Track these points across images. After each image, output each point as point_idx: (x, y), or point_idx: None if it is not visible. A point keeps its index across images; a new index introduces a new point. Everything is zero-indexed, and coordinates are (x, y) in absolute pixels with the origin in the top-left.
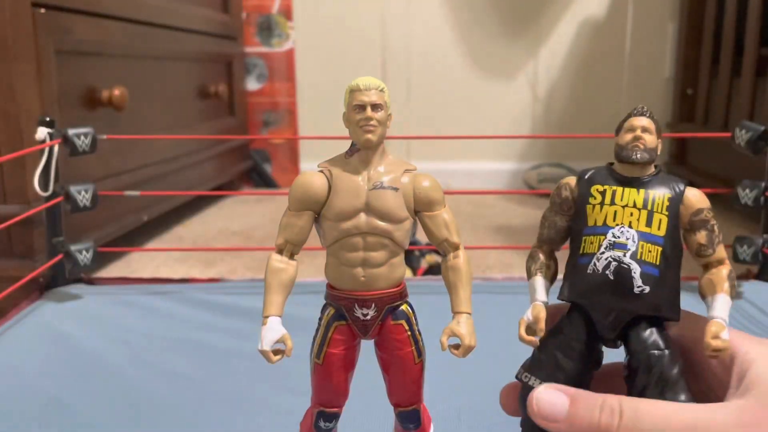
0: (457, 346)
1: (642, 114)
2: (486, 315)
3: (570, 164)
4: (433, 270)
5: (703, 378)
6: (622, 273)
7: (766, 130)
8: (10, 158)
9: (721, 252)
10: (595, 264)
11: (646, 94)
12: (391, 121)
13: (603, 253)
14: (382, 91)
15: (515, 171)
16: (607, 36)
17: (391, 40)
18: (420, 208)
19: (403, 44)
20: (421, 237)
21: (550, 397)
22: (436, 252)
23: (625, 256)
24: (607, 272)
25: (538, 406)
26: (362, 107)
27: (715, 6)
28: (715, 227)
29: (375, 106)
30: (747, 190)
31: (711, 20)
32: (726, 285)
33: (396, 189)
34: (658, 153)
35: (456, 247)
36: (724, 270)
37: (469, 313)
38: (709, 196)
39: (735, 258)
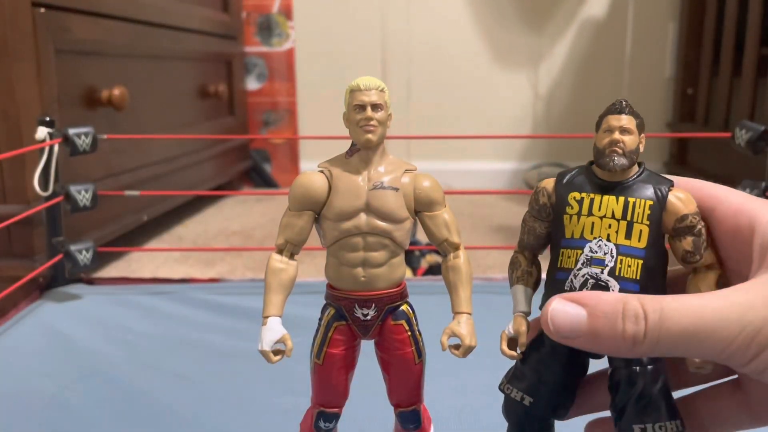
0: (457, 347)
1: (621, 111)
2: (486, 315)
3: (570, 164)
4: (434, 270)
5: (720, 254)
6: (600, 291)
7: (767, 130)
8: (10, 156)
9: (709, 256)
10: (572, 281)
11: (647, 93)
12: (391, 121)
13: (580, 269)
14: (382, 91)
15: (515, 171)
16: (608, 36)
17: (391, 39)
18: (420, 208)
19: (403, 44)
20: (421, 237)
21: (566, 311)
22: (437, 252)
23: (602, 272)
24: (585, 290)
25: (554, 323)
26: (362, 107)
27: (716, 6)
28: (703, 230)
29: (375, 106)
30: (747, 191)
31: (711, 20)
32: None
33: (396, 189)
34: (641, 151)
35: (456, 247)
36: (712, 276)
37: (469, 313)
38: None
39: None
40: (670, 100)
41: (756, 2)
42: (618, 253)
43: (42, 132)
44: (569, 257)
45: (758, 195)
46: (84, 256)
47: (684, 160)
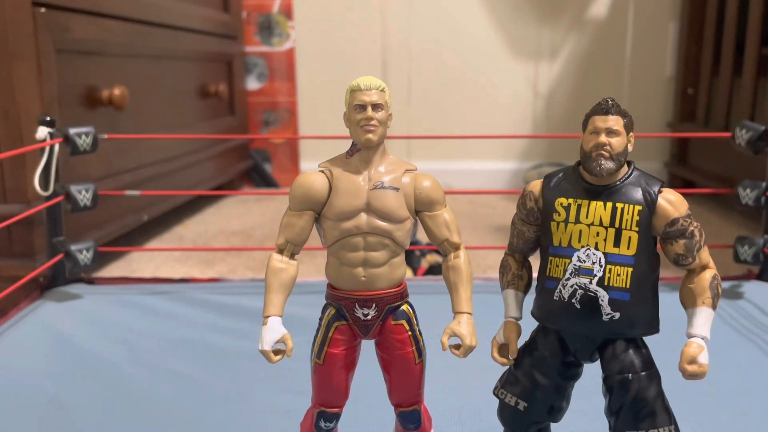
0: (457, 346)
1: (607, 111)
2: (486, 315)
3: (570, 164)
4: (434, 270)
5: None
6: (589, 301)
7: (767, 130)
8: (10, 156)
9: (704, 257)
10: (560, 291)
11: (647, 93)
12: (392, 121)
13: (568, 279)
14: (382, 90)
15: (516, 171)
16: (608, 35)
17: (391, 39)
18: (421, 208)
19: (403, 44)
20: (422, 237)
21: None
22: (437, 252)
23: (591, 283)
24: (573, 300)
25: None
26: (363, 107)
27: (716, 5)
28: (695, 232)
29: (375, 106)
30: (748, 190)
31: (712, 19)
32: (708, 295)
33: (397, 189)
34: (630, 150)
35: (456, 247)
36: (708, 276)
37: (469, 313)
38: (710, 196)
39: (736, 258)
40: (671, 99)
41: (756, 2)
42: (606, 262)
43: (42, 132)
44: (557, 266)
45: (759, 195)
46: (84, 256)
47: (684, 160)
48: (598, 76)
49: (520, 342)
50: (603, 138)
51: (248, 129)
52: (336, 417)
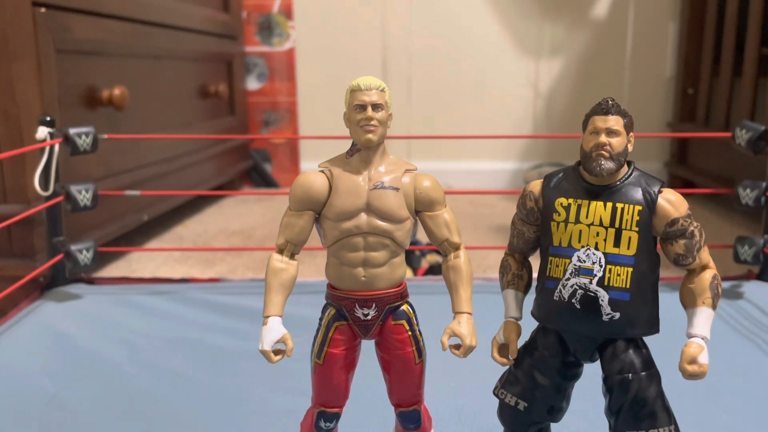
0: (457, 346)
1: (607, 111)
2: (486, 315)
3: (570, 164)
4: (434, 270)
5: None
6: (589, 301)
7: (767, 130)
8: (10, 156)
9: (704, 257)
10: (560, 291)
11: (647, 93)
12: (392, 121)
13: (568, 279)
14: (382, 90)
15: (516, 171)
16: (608, 35)
17: (391, 39)
18: (421, 208)
19: (403, 44)
20: (422, 237)
21: None
22: (437, 252)
23: (591, 283)
24: (573, 300)
25: None
26: (363, 107)
27: (716, 5)
28: (696, 232)
29: (375, 106)
30: (748, 190)
31: (712, 20)
32: (708, 295)
33: (397, 189)
34: (630, 150)
35: (457, 247)
36: (708, 276)
37: (469, 313)
38: (710, 196)
39: (736, 258)
40: (671, 99)
41: (756, 2)
42: (606, 262)
43: (42, 132)
44: (557, 266)
45: (759, 195)
46: (84, 256)
47: (684, 160)
48: (598, 76)
49: (520, 342)
50: (603, 138)
51: (248, 129)
52: (336, 417)
